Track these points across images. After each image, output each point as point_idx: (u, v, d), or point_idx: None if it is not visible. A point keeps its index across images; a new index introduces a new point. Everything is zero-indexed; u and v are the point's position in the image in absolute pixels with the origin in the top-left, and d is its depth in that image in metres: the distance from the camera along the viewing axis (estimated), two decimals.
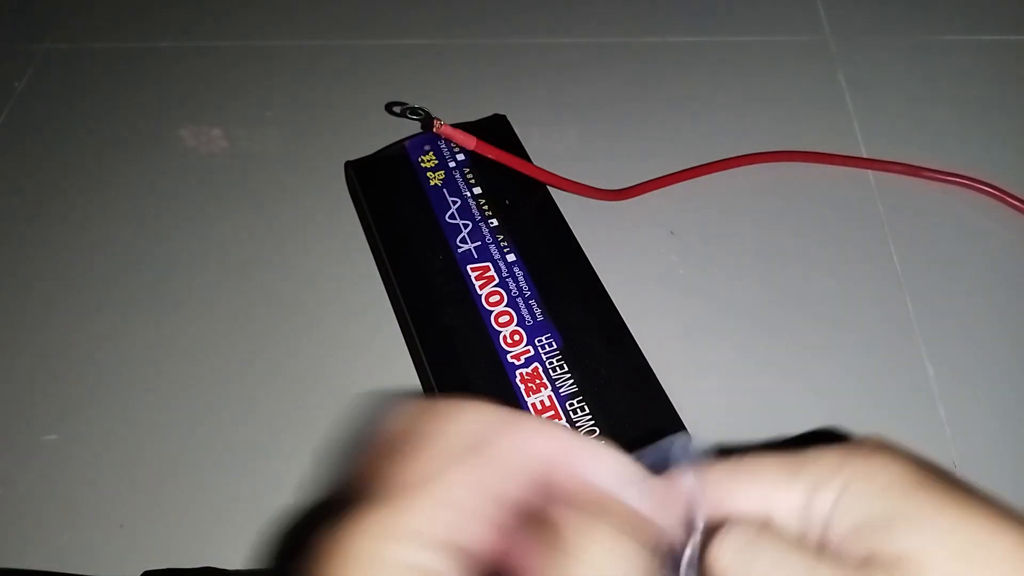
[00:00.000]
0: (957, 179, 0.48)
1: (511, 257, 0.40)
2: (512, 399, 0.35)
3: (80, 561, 0.37)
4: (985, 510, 0.22)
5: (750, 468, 0.24)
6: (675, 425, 0.34)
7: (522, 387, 0.35)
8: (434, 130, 0.43)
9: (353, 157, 0.47)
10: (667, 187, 0.49)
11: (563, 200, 0.44)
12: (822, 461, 0.23)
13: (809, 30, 0.59)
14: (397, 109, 0.44)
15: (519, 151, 0.45)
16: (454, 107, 0.49)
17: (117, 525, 0.38)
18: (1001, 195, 0.48)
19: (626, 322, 0.38)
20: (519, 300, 0.38)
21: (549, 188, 0.45)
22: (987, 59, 0.56)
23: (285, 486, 0.39)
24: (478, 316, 0.38)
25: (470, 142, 0.43)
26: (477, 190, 0.42)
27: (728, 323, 0.44)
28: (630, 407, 0.34)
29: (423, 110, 0.44)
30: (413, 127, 0.47)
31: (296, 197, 0.50)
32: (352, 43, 0.59)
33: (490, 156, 0.43)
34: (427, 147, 0.44)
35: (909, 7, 0.60)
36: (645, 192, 0.49)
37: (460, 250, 0.40)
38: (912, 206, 0.48)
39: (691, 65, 0.57)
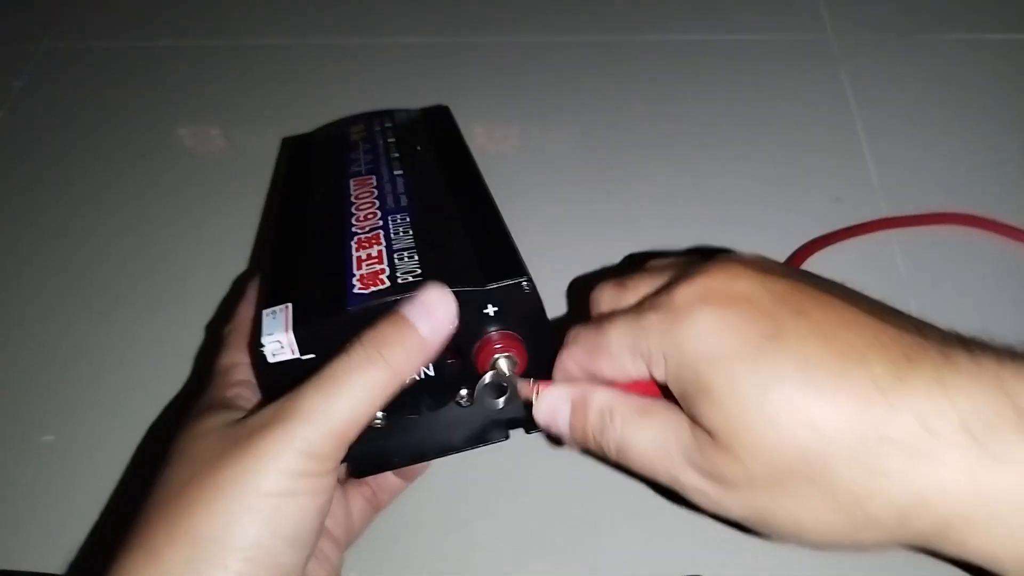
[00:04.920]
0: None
1: (398, 172, 0.36)
2: (338, 250, 0.31)
3: (80, 561, 0.36)
4: (794, 373, 0.22)
5: (602, 348, 0.26)
6: (521, 274, 0.29)
7: (354, 245, 0.31)
8: None
9: None
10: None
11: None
12: (652, 331, 0.25)
13: (811, 29, 0.58)
14: None
15: (457, 141, 0.41)
16: (458, 107, 0.49)
17: (117, 524, 0.38)
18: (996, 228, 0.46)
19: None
20: (388, 196, 0.34)
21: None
22: (989, 58, 0.56)
23: None
24: (341, 199, 0.34)
25: None
26: (392, 139, 0.40)
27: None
28: (473, 260, 0.30)
29: None
30: None
31: None
32: (352, 42, 0.59)
33: None
34: (363, 122, 0.42)
35: (911, 6, 0.60)
36: None
37: (351, 169, 0.37)
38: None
39: (691, 64, 0.57)
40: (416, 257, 0.29)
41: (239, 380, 0.29)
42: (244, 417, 0.25)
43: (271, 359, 0.27)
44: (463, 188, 0.35)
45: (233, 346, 0.31)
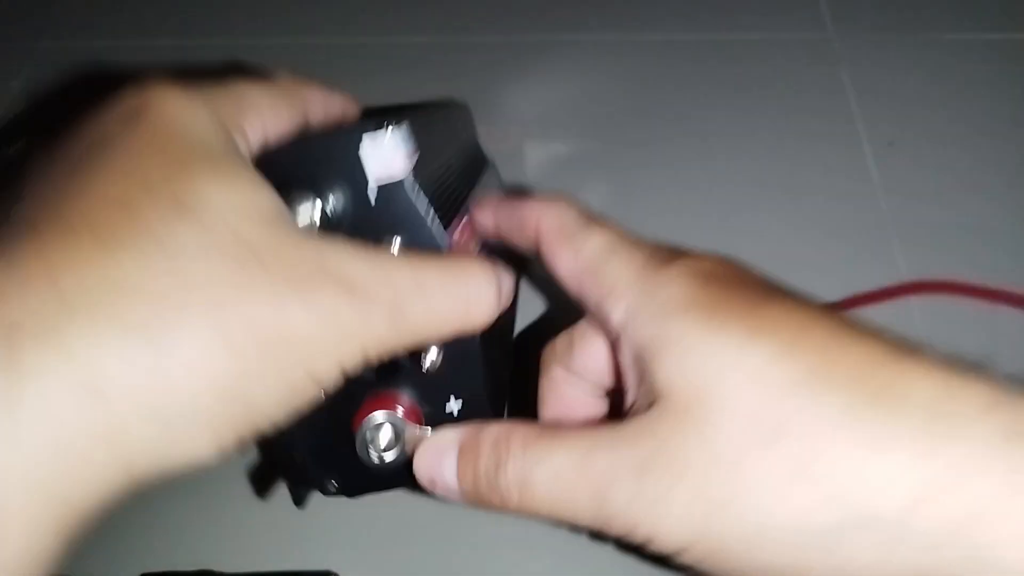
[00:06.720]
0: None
1: None
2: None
3: (79, 562, 0.36)
4: (772, 327, 0.19)
5: (566, 226, 0.24)
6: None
7: None
8: None
9: None
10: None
11: None
12: (632, 260, 0.21)
13: (811, 29, 0.58)
14: None
15: None
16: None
17: (115, 526, 0.37)
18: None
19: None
20: None
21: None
22: (989, 58, 0.56)
23: (284, 488, 0.38)
24: None
25: None
26: None
27: None
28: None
29: None
30: None
31: None
32: (353, 42, 0.59)
33: None
34: None
35: (911, 5, 0.60)
36: None
37: None
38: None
39: (691, 64, 0.57)
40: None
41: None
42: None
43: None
44: None
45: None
